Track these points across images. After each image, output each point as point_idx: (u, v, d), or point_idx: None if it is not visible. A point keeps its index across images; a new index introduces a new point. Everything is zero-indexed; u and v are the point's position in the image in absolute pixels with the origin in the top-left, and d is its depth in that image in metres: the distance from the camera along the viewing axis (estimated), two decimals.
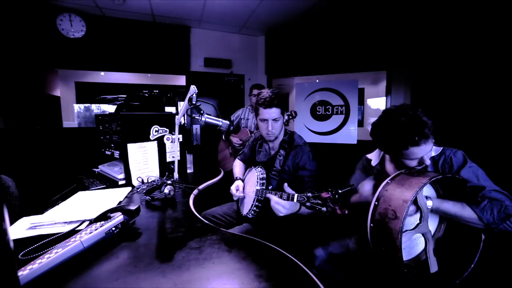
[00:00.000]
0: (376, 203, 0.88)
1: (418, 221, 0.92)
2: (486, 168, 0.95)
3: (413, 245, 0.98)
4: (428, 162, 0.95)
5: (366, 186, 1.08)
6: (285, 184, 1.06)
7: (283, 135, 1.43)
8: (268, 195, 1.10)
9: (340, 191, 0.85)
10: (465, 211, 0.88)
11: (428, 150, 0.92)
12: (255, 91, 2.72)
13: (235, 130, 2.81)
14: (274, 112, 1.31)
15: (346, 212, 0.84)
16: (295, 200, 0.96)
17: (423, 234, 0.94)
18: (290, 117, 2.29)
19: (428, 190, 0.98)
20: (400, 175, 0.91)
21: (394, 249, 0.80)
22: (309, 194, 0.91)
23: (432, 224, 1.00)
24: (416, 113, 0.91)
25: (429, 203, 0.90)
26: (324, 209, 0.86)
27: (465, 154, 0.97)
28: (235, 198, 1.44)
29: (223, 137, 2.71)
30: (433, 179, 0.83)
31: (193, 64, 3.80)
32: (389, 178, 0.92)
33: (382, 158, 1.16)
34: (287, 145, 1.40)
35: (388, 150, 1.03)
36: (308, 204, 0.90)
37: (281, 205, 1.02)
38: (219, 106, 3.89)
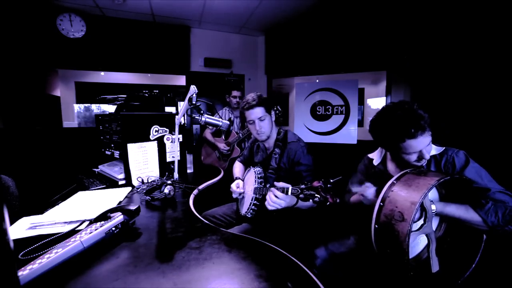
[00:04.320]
0: (381, 203, 0.86)
1: (423, 222, 0.91)
2: (487, 167, 0.94)
3: (414, 244, 0.97)
4: (427, 156, 0.94)
5: (369, 190, 1.07)
6: (275, 183, 1.08)
7: (276, 134, 1.45)
8: (269, 192, 1.10)
9: (331, 180, 0.86)
10: (469, 214, 0.87)
11: (426, 143, 0.92)
12: (235, 93, 2.70)
13: (218, 133, 2.75)
14: (257, 111, 1.35)
15: (338, 200, 0.84)
16: (289, 193, 0.97)
17: (426, 235, 0.94)
18: (277, 112, 2.26)
19: (431, 191, 0.97)
20: (406, 175, 0.90)
21: (400, 251, 0.78)
22: (302, 186, 0.92)
23: (433, 223, 1.00)
24: (412, 107, 0.92)
25: (433, 207, 0.90)
26: (316, 199, 0.86)
27: (467, 154, 0.97)
28: (235, 195, 1.45)
29: (223, 137, 2.70)
30: (441, 180, 0.81)
31: (193, 64, 3.80)
32: (394, 178, 0.91)
33: (384, 157, 1.16)
34: (281, 143, 1.42)
35: (386, 144, 1.03)
36: (301, 196, 0.91)
37: (281, 199, 1.03)
38: (219, 106, 3.89)
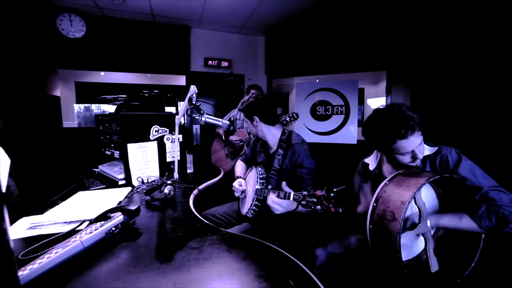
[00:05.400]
0: (374, 204, 0.88)
1: (418, 221, 0.92)
2: (485, 166, 0.94)
3: (414, 244, 0.98)
4: (420, 156, 0.96)
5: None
6: (283, 183, 1.07)
7: (280, 135, 1.44)
8: (269, 194, 1.11)
9: (334, 189, 0.86)
10: (463, 223, 0.89)
11: (417, 143, 0.93)
12: (253, 91, 2.71)
13: (230, 131, 2.76)
14: (241, 114, 1.50)
15: (340, 210, 0.84)
16: (291, 198, 0.97)
17: (422, 234, 0.95)
18: (292, 119, 2.29)
19: (427, 190, 0.98)
20: (398, 176, 0.91)
21: (393, 250, 0.80)
22: (305, 193, 0.92)
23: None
24: (401, 108, 0.94)
25: (428, 223, 0.92)
26: (318, 207, 0.86)
27: (460, 152, 0.98)
28: (237, 194, 1.45)
29: (223, 137, 2.70)
30: (430, 179, 0.83)
31: (193, 64, 3.80)
32: (387, 179, 0.92)
33: (379, 162, 1.16)
34: (285, 144, 1.41)
35: (379, 146, 1.04)
36: (303, 202, 0.91)
37: (277, 204, 1.05)
38: (219, 106, 3.89)
